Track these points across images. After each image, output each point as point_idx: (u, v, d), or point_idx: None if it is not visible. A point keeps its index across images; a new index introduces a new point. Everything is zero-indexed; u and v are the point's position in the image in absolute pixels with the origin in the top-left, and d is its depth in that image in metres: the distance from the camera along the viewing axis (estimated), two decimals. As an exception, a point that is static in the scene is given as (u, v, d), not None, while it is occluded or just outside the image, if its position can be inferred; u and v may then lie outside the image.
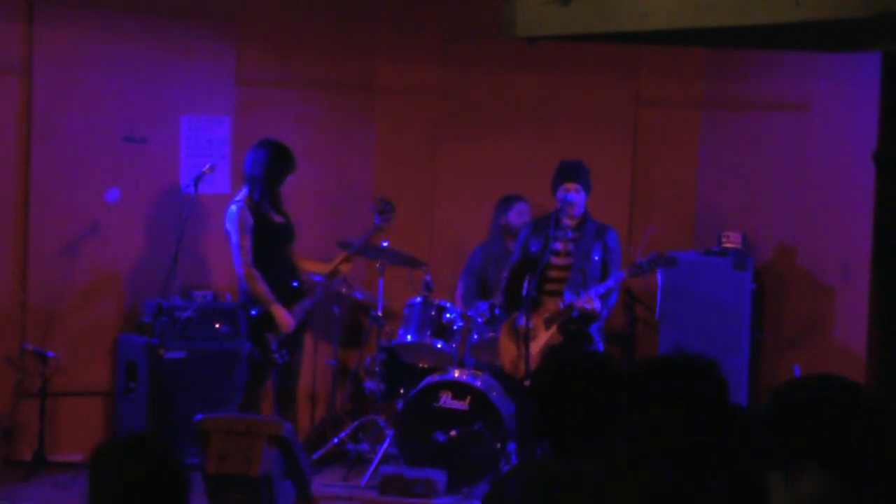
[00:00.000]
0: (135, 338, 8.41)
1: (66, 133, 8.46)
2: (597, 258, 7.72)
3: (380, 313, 8.43)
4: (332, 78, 9.20)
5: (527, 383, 7.49)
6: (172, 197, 8.67)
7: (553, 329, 7.67)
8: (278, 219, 7.95)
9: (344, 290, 8.61)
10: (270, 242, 7.87)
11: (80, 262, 8.54)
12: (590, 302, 7.55)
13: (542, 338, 7.67)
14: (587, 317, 7.66)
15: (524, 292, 7.51)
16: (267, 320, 7.82)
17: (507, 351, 7.82)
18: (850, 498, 2.27)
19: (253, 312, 7.84)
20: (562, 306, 7.66)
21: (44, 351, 8.32)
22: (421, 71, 9.36)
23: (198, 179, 8.05)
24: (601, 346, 7.77)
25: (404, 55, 9.32)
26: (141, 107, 8.63)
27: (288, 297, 7.90)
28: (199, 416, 7.14)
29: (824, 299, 8.80)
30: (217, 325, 8.51)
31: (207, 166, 8.16)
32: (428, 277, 8.50)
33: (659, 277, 8.34)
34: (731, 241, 8.59)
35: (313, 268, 8.17)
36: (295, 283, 7.99)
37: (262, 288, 7.80)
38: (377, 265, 8.47)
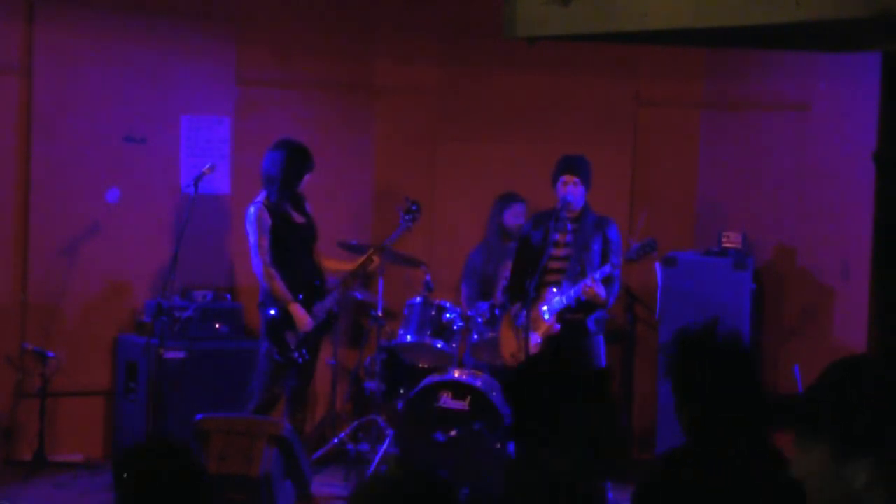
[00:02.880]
0: (135, 338, 8.41)
1: (66, 133, 8.46)
2: (596, 248, 7.70)
3: (380, 313, 8.43)
4: (332, 78, 9.20)
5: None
6: (172, 197, 8.67)
7: (552, 319, 7.66)
8: (299, 218, 7.95)
9: (358, 296, 8.64)
10: (291, 242, 7.88)
11: (80, 262, 8.54)
12: (594, 285, 7.48)
13: (541, 329, 7.67)
14: (589, 305, 7.62)
15: (526, 289, 7.51)
16: (286, 320, 7.83)
17: (507, 341, 7.82)
18: None
19: (272, 312, 7.84)
20: (550, 301, 7.63)
21: (44, 351, 8.32)
22: (421, 71, 9.36)
23: (198, 179, 8.05)
24: (600, 338, 7.76)
25: (404, 55, 9.32)
26: (141, 107, 8.63)
27: (309, 297, 7.91)
28: (199, 416, 7.14)
29: (824, 299, 8.80)
30: (217, 325, 8.51)
31: (207, 166, 8.16)
32: (428, 277, 8.50)
33: (659, 277, 8.33)
34: (731, 241, 8.59)
35: (337, 267, 8.18)
36: (317, 283, 8.00)
37: (279, 287, 7.80)
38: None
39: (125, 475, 3.14)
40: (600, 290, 7.50)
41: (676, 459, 3.44)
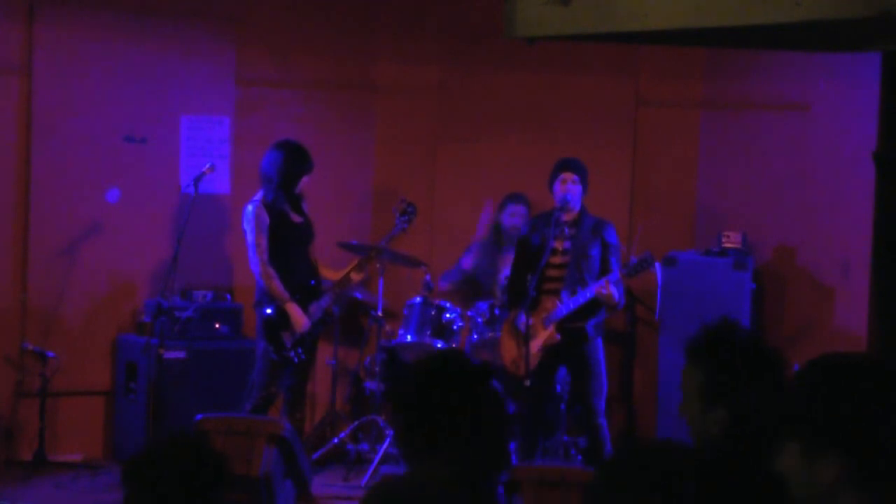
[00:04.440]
0: (135, 338, 8.41)
1: (66, 133, 8.46)
2: (595, 254, 7.68)
3: (380, 313, 8.43)
4: (332, 78, 9.21)
5: (527, 383, 7.49)
6: (172, 197, 8.67)
7: (551, 328, 7.65)
8: (296, 218, 7.95)
9: (358, 296, 8.64)
10: (288, 242, 7.88)
11: (80, 262, 8.54)
12: (608, 287, 7.46)
13: (541, 337, 7.66)
14: (588, 311, 7.61)
15: (526, 289, 7.50)
16: (282, 319, 7.82)
17: (508, 349, 7.80)
18: (868, 491, 2.25)
19: (268, 311, 7.83)
20: (557, 313, 7.61)
21: (44, 351, 8.32)
22: (421, 71, 9.36)
23: (198, 179, 8.05)
24: (599, 344, 7.75)
25: (404, 55, 9.32)
26: (141, 107, 8.63)
27: (305, 296, 7.90)
28: (199, 416, 7.14)
29: (824, 299, 8.80)
30: (217, 325, 8.51)
31: (207, 166, 8.16)
32: (428, 277, 8.51)
33: (659, 277, 8.32)
34: (731, 241, 8.59)
35: (326, 275, 8.17)
36: (312, 282, 7.99)
37: (277, 286, 7.80)
38: (377, 265, 8.47)
39: (138, 483, 3.13)
40: (615, 292, 7.48)
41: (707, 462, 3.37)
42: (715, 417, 3.32)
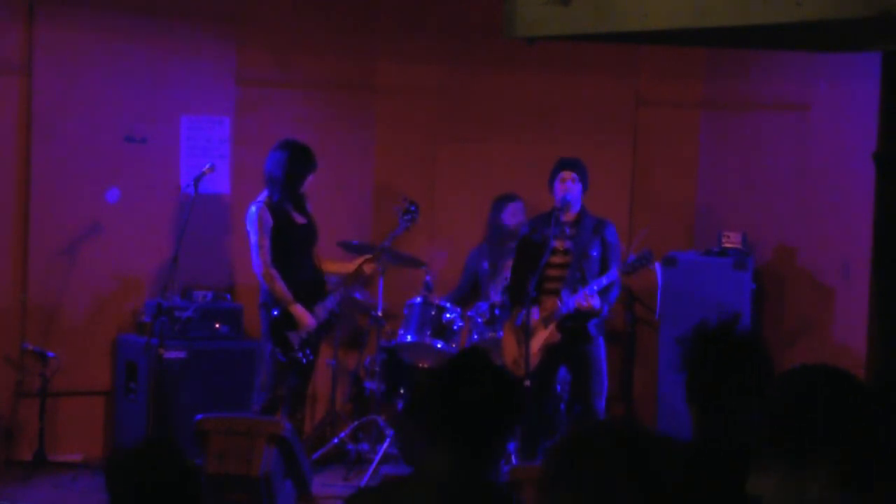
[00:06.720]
0: (135, 338, 8.41)
1: (66, 133, 8.46)
2: (595, 254, 7.69)
3: (380, 313, 8.43)
4: (332, 78, 9.20)
5: (527, 383, 7.48)
6: (172, 197, 8.67)
7: (551, 327, 7.65)
8: (300, 219, 7.94)
9: (358, 296, 8.64)
10: (292, 243, 7.87)
11: (80, 262, 8.54)
12: (587, 299, 7.53)
13: (541, 336, 7.66)
14: (586, 314, 7.63)
15: (527, 289, 7.50)
16: (288, 320, 7.81)
17: (509, 349, 7.81)
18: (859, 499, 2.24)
19: (274, 312, 7.82)
20: (559, 312, 7.62)
21: (44, 351, 8.32)
22: (421, 71, 9.36)
23: (198, 179, 8.05)
24: (601, 343, 7.76)
25: (404, 55, 9.32)
26: (141, 107, 8.63)
27: (310, 297, 7.90)
28: (199, 416, 7.14)
29: (824, 299, 8.80)
30: (217, 325, 8.51)
31: (207, 166, 8.16)
32: (428, 277, 8.51)
33: (659, 277, 8.33)
34: (731, 241, 8.59)
35: (335, 269, 8.17)
36: (317, 284, 7.98)
37: (280, 287, 7.79)
38: (378, 266, 8.46)
39: (118, 483, 3.16)
40: (595, 303, 7.54)
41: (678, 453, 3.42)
42: (692, 413, 3.39)
